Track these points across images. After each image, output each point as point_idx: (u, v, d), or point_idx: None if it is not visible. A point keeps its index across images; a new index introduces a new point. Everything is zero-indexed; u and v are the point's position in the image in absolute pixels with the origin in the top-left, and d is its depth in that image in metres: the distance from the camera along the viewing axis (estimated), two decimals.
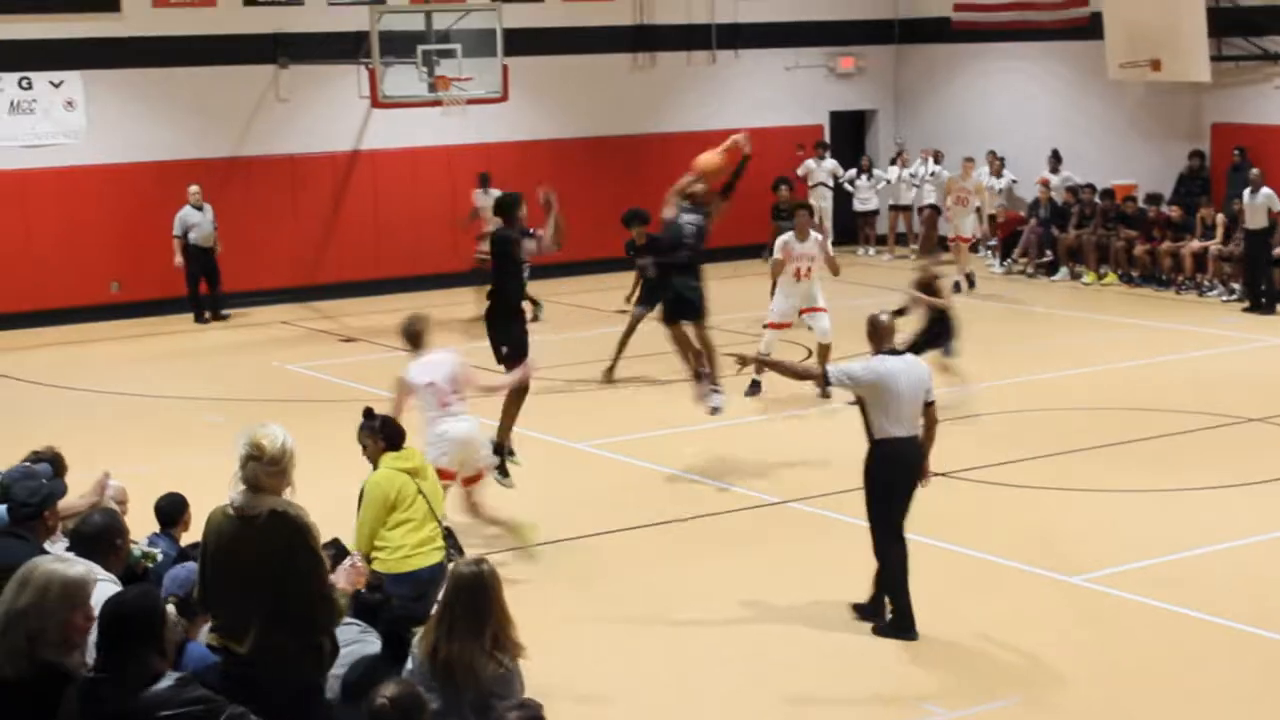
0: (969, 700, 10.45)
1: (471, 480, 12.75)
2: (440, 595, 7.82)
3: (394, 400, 12.33)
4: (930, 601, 12.22)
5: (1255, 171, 24.89)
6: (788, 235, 19.47)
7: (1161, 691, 10.60)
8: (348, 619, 8.24)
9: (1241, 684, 10.69)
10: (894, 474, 11.43)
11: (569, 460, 16.75)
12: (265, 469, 7.32)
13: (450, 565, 9.21)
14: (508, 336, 14.96)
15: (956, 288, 25.02)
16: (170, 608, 7.17)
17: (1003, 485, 15.40)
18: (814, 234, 19.55)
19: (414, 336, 12.88)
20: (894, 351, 11.43)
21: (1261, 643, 11.32)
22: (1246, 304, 24.47)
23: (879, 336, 11.45)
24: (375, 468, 10.25)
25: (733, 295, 24.76)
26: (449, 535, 10.37)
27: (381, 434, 10.31)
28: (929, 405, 11.45)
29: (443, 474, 11.49)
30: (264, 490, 7.32)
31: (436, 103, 25.38)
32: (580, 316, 25.41)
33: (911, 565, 11.79)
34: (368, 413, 10.46)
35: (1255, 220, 24.55)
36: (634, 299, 21.02)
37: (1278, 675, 10.84)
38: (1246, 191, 24.82)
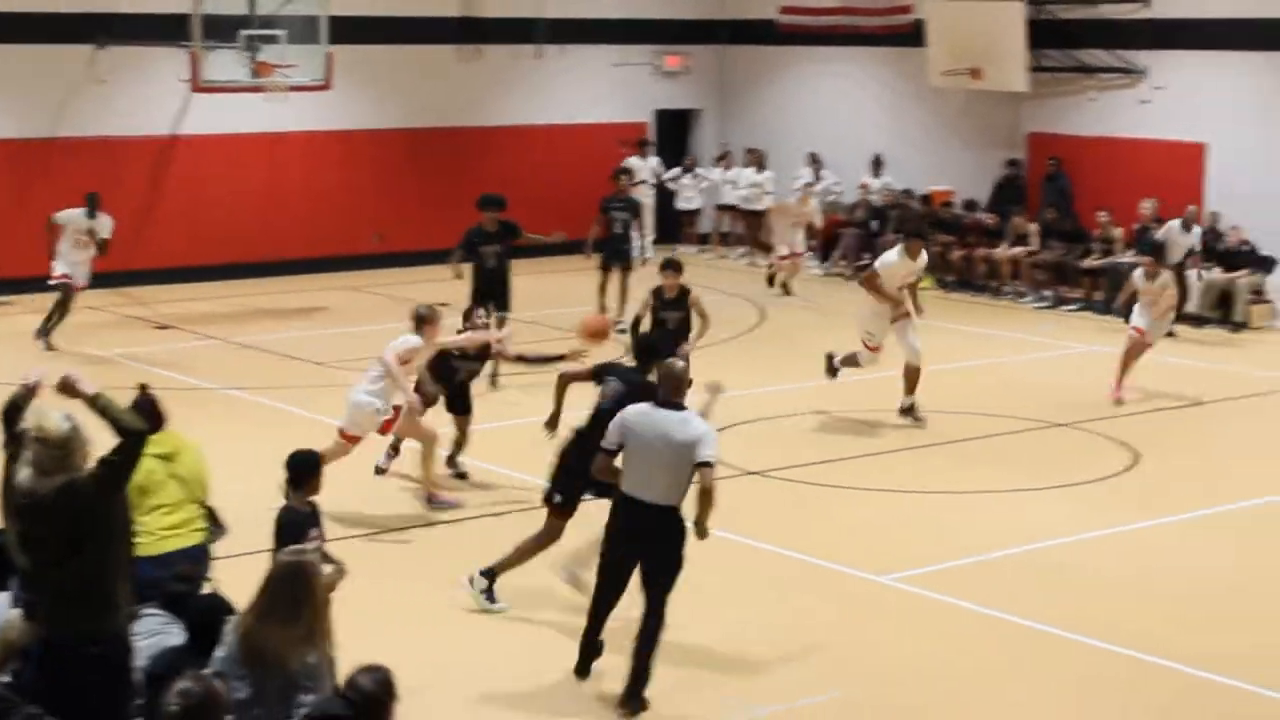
0: (785, 696, 10.55)
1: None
2: (260, 582, 7.77)
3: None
4: (744, 599, 12.35)
5: (1191, 209, 24.70)
6: None
7: (967, 691, 10.78)
8: (151, 609, 8.14)
9: (1046, 685, 10.91)
10: (611, 539, 10.37)
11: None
12: (50, 453, 7.44)
13: (210, 545, 9.92)
14: None
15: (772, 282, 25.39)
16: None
17: (815, 485, 15.57)
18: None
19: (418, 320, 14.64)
20: (672, 404, 10.25)
21: (1066, 645, 11.55)
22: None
23: (662, 383, 10.39)
24: None
25: (554, 290, 24.84)
26: (211, 516, 10.24)
27: (144, 415, 10.13)
28: (702, 467, 10.06)
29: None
30: (49, 473, 7.42)
31: (258, 89, 25.06)
32: (395, 308, 25.18)
33: (726, 564, 11.85)
34: (141, 388, 10.26)
35: (1174, 256, 23.87)
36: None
37: (1084, 677, 11.08)
38: (1176, 223, 24.51)
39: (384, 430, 14.77)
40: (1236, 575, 13.21)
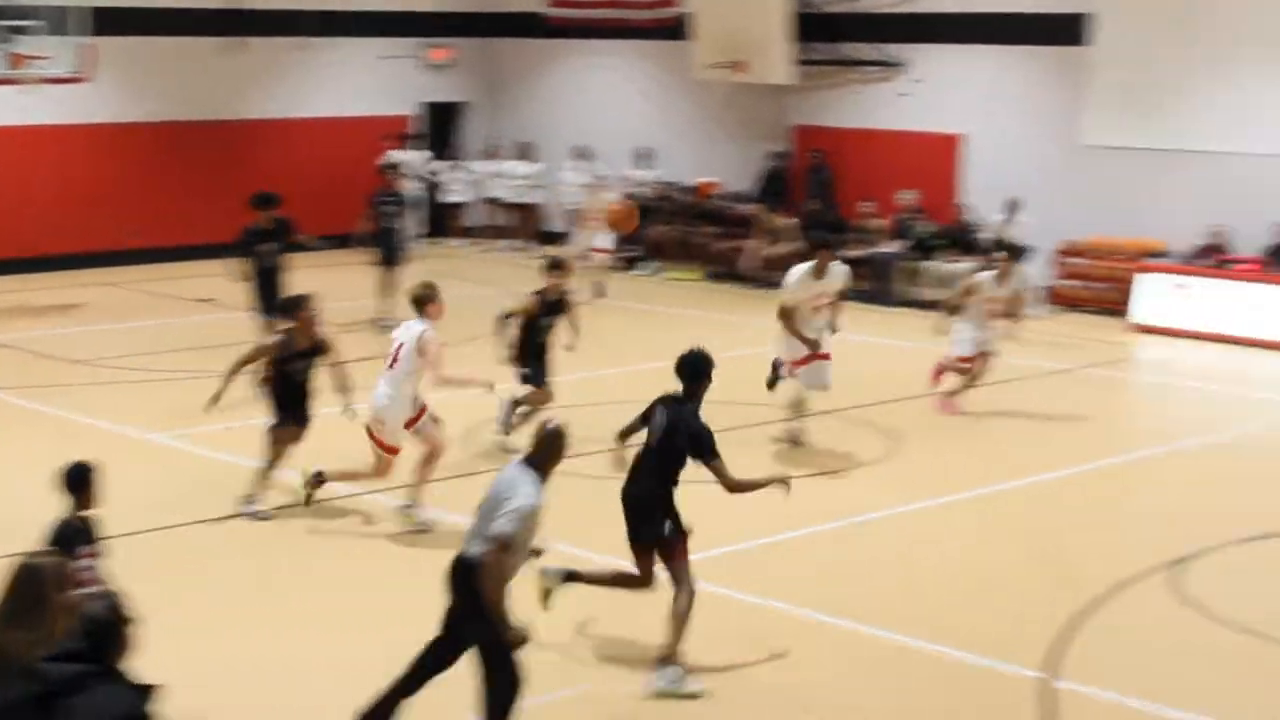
0: (539, 689, 10.54)
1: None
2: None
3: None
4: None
5: (1011, 198, 24.65)
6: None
7: (731, 677, 10.88)
8: None
9: (807, 668, 11.05)
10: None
11: (143, 453, 16.34)
12: None
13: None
14: None
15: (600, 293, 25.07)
16: None
17: (576, 476, 15.57)
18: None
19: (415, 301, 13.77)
20: (527, 460, 9.55)
21: (824, 627, 11.73)
22: None
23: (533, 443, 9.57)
24: None
25: (327, 285, 24.56)
26: None
27: None
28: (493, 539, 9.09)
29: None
30: None
31: (11, 81, 24.42)
32: (156, 304, 24.80)
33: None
34: None
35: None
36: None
37: (854, 659, 11.26)
38: (998, 217, 24.58)
39: (407, 426, 13.84)
40: (993, 555, 13.52)
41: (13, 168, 27.16)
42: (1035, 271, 24.91)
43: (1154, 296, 23.80)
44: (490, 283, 26.32)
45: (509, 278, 27.43)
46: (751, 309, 25.13)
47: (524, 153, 30.98)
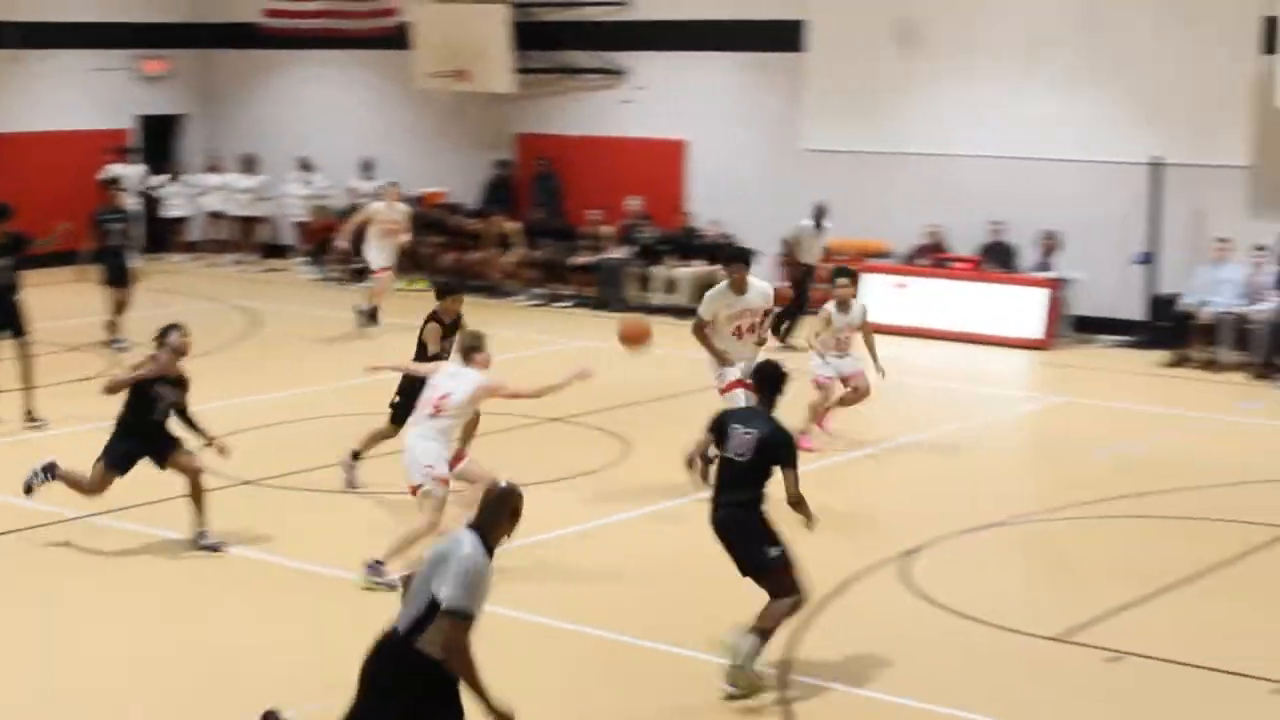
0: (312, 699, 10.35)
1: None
2: None
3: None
4: (230, 611, 12.12)
5: (819, 203, 23.84)
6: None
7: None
8: None
9: (549, 675, 11.03)
10: None
11: None
12: None
13: None
14: None
15: (373, 318, 23.98)
16: None
17: (306, 491, 15.36)
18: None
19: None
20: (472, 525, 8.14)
21: (563, 634, 11.70)
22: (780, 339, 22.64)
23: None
24: None
25: (56, 304, 23.92)
26: None
27: None
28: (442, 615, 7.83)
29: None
30: None
31: None
32: None
33: (217, 574, 11.49)
34: None
35: (810, 254, 23.86)
36: None
37: (577, 662, 11.25)
38: (808, 224, 23.80)
39: (452, 465, 13.05)
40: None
41: None
42: (763, 274, 25.28)
43: (877, 296, 24.28)
44: (215, 298, 25.82)
45: (234, 292, 27.00)
46: (484, 318, 25.03)
47: (246, 165, 30.49)
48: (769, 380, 11.06)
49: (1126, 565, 13.38)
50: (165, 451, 13.47)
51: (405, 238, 24.40)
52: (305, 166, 29.88)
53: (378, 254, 24.19)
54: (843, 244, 25.11)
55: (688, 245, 25.57)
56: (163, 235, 30.75)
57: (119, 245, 22.27)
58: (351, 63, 30.52)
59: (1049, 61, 23.81)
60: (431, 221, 28.12)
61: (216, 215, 30.75)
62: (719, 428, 11.00)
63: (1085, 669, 11.09)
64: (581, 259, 26.07)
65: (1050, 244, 23.39)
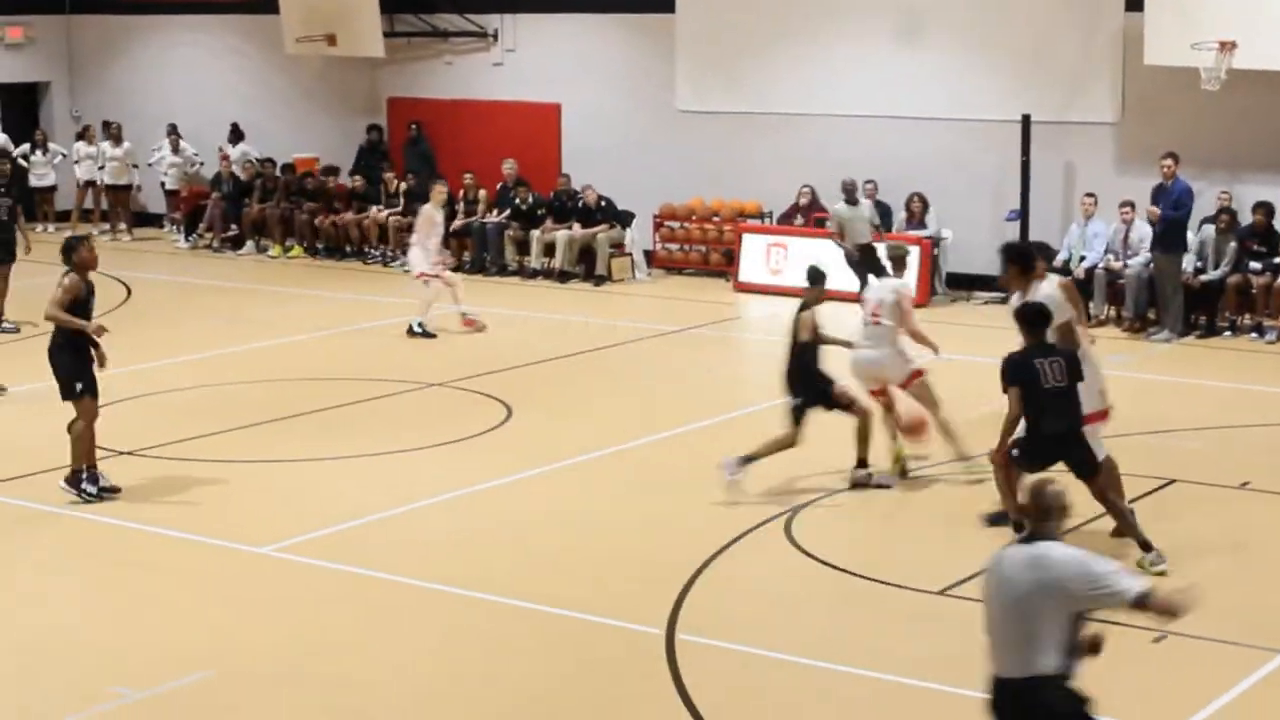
0: (161, 677, 10.38)
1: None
2: None
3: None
4: (110, 582, 12.13)
5: (848, 180, 22.87)
6: None
7: (343, 652, 10.88)
8: None
9: (425, 637, 11.14)
10: None
11: None
12: None
13: None
14: None
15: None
16: None
17: (184, 460, 15.35)
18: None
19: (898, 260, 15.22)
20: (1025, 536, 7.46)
21: (441, 597, 11.82)
22: None
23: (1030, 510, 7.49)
24: None
25: None
26: None
27: None
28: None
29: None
30: None
31: None
32: None
33: (90, 547, 11.46)
34: None
35: (861, 234, 22.62)
36: None
37: (455, 627, 11.37)
38: (842, 205, 22.74)
39: (902, 387, 14.69)
40: (611, 518, 13.80)
41: None
42: (637, 236, 25.49)
43: (755, 257, 24.54)
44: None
45: (108, 264, 26.71)
46: (363, 284, 25.04)
47: (113, 133, 30.13)
48: (1038, 317, 12.36)
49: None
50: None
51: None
52: (174, 133, 29.61)
53: (423, 257, 21.81)
54: (718, 205, 25.34)
55: (565, 209, 25.65)
56: (30, 206, 30.33)
57: (7, 221, 21.48)
58: (219, 27, 30.28)
59: (920, 18, 24.06)
60: (304, 189, 28.00)
61: (87, 184, 30.39)
62: (1022, 371, 12.14)
63: (964, 621, 11.35)
64: (457, 223, 26.05)
65: (918, 205, 23.70)
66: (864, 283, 21.30)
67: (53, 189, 30.54)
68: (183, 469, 15.11)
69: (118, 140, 30.07)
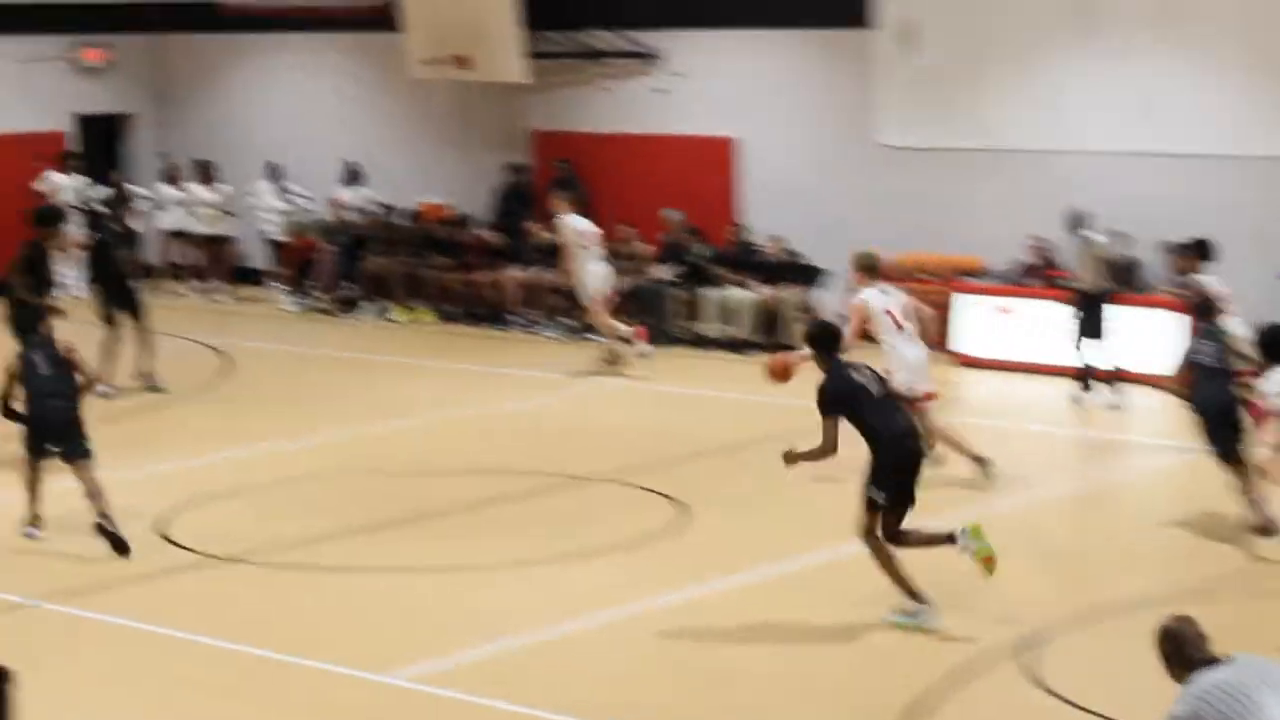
0: None
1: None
2: None
3: (851, 324, 17.19)
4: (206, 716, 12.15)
5: (1075, 210, 22.53)
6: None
7: None
8: None
9: None
10: None
11: None
12: None
13: None
14: None
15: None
16: None
17: (295, 567, 15.36)
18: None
19: (870, 268, 17.75)
20: (1211, 661, 8.09)
21: None
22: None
23: (1183, 649, 8.16)
24: None
25: None
26: None
27: None
28: None
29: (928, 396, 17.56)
30: None
31: None
32: None
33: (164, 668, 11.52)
34: None
35: (1096, 274, 22.32)
36: None
37: None
38: (1083, 235, 22.43)
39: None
40: (791, 641, 13.60)
41: None
42: (830, 297, 25.28)
43: (973, 323, 24.22)
44: (179, 333, 25.83)
45: (202, 326, 27.05)
46: (506, 355, 25.05)
47: (206, 174, 30.51)
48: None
49: None
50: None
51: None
52: (277, 175, 29.90)
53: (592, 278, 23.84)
54: (925, 259, 25.05)
55: (743, 264, 25.54)
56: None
57: (121, 274, 22.82)
58: (331, 48, 30.60)
59: (1185, 33, 23.66)
60: (434, 239, 28.14)
61: (174, 234, 30.80)
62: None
63: None
64: (618, 283, 25.97)
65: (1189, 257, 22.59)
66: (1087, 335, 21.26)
67: (135, 237, 30.93)
68: (294, 578, 15.13)
69: (211, 182, 30.45)
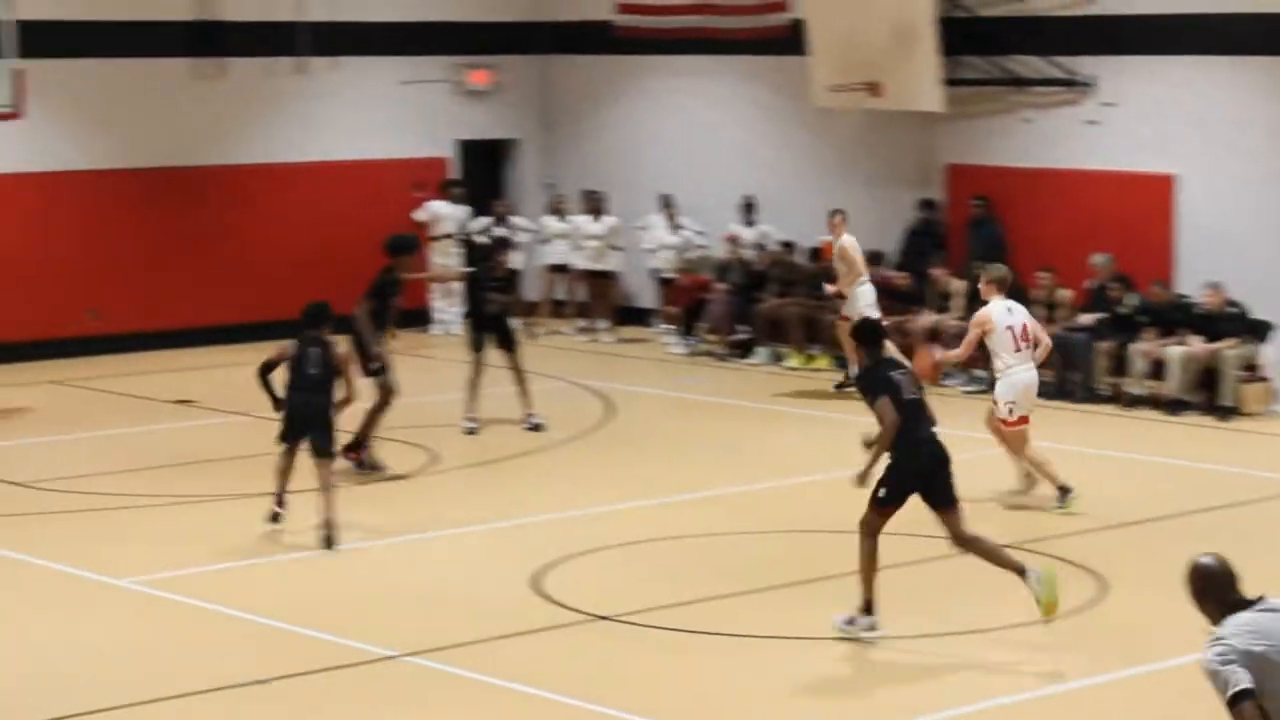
0: None
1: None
2: None
3: (970, 334, 19.42)
4: None
5: None
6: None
7: None
8: None
9: None
10: None
11: (107, 602, 16.38)
12: None
13: None
14: None
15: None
16: None
17: (681, 631, 15.45)
18: None
19: (1001, 282, 19.48)
20: (1244, 603, 8.78)
21: None
22: None
23: (1219, 587, 8.82)
24: None
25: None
26: None
27: None
28: None
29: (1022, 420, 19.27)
30: None
31: None
32: (119, 408, 24.92)
33: None
34: None
35: None
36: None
37: None
38: None
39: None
40: None
41: None
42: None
43: None
44: (558, 374, 26.25)
45: (582, 368, 27.42)
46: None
47: (594, 206, 30.95)
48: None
49: None
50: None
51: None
52: (669, 206, 30.19)
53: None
54: None
55: (1178, 317, 25.13)
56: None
57: (499, 314, 23.51)
58: (730, 71, 30.82)
59: None
60: (833, 279, 28.16)
61: (556, 268, 31.38)
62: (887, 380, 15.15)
63: None
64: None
65: None
66: None
67: (516, 273, 31.48)
68: (670, 640, 15.23)
69: (598, 214, 30.87)
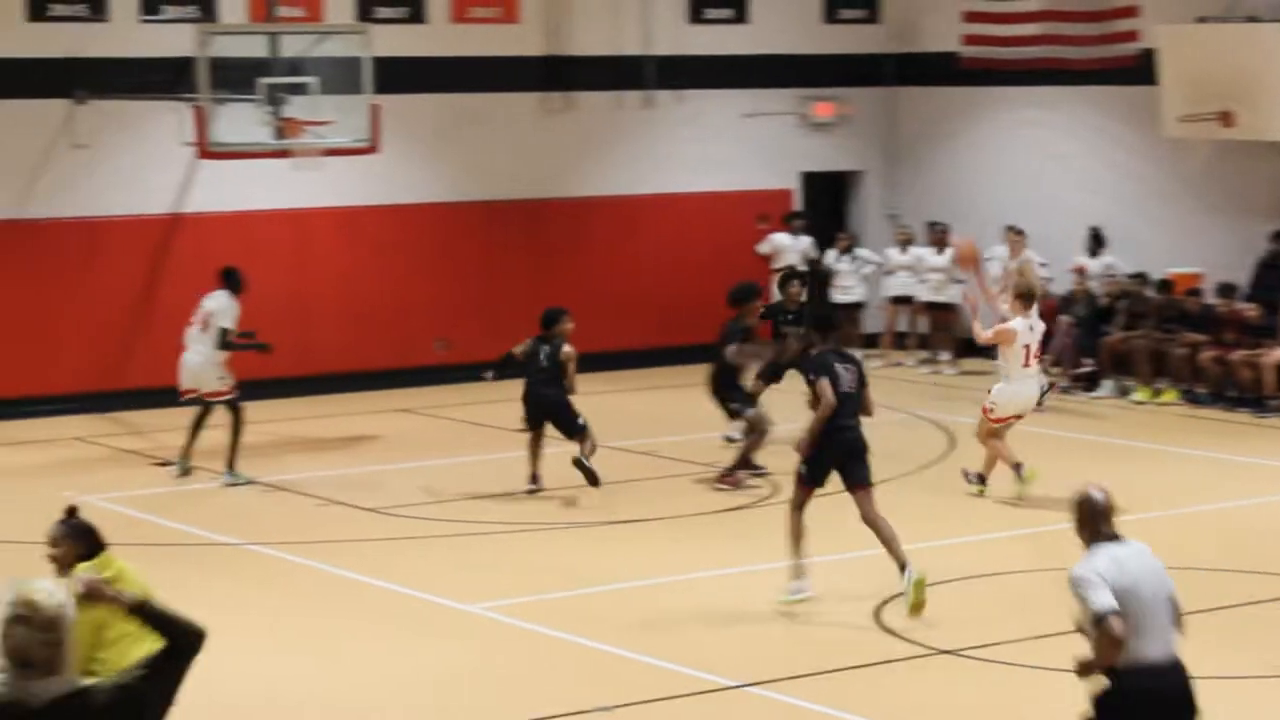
0: None
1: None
2: None
3: (990, 333, 20.99)
4: None
5: None
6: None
7: None
8: None
9: None
10: None
11: (457, 627, 16.65)
12: (39, 638, 7.17)
13: None
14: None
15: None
16: None
17: (1016, 665, 15.36)
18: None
19: (1029, 297, 20.96)
20: (1114, 537, 10.56)
21: None
22: None
23: (1095, 518, 10.62)
24: (62, 575, 10.71)
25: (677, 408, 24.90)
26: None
27: (79, 539, 10.91)
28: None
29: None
30: (37, 668, 7.18)
31: (285, 153, 25.25)
32: (469, 436, 25.33)
33: None
34: (70, 511, 11.03)
35: None
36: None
37: None
38: None
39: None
40: None
41: (287, 262, 28.10)
42: None
43: None
44: (899, 407, 26.21)
45: (921, 400, 27.37)
46: (1259, 444, 24.55)
47: (939, 238, 30.83)
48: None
49: None
50: None
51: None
52: (1019, 234, 29.96)
53: None
54: None
55: None
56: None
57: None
58: (1079, 102, 30.56)
59: None
60: (1185, 313, 27.77)
61: (900, 300, 31.35)
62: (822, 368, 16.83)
63: None
64: None
65: None
66: None
67: (859, 305, 31.54)
68: (1016, 675, 15.14)
69: (942, 247, 30.76)
